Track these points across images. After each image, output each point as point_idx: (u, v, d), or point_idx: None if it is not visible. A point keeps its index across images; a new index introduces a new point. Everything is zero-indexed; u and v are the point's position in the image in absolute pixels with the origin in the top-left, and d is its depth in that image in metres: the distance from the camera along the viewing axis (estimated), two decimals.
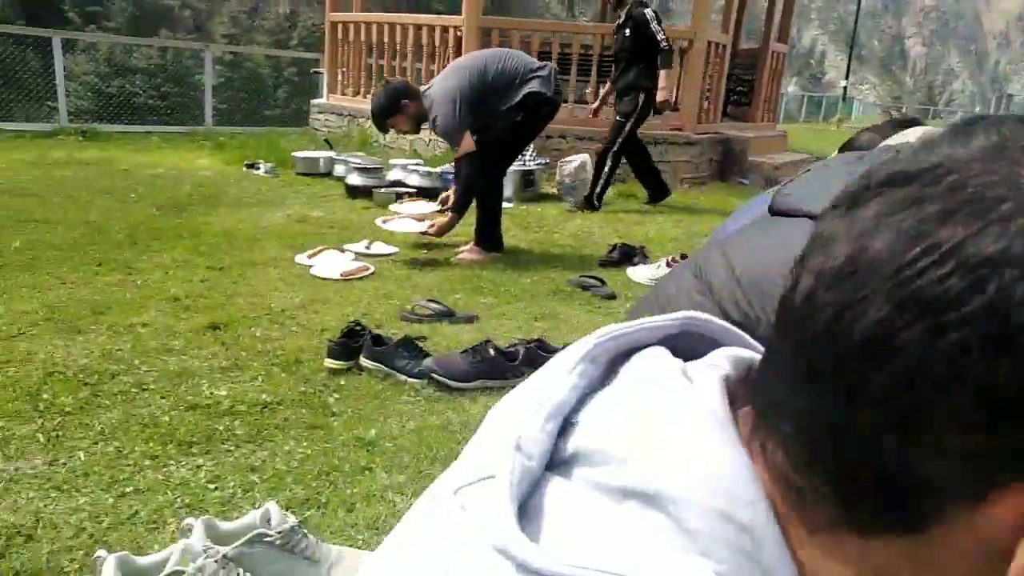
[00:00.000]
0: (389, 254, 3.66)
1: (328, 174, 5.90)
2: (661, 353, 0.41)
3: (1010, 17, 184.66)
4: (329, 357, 2.19)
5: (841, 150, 2.71)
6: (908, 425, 0.29)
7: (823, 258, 0.31)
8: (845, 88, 26.96)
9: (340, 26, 7.91)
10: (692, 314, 0.44)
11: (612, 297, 3.09)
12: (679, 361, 0.40)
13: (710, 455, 0.34)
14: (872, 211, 0.31)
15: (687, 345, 0.43)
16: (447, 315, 2.69)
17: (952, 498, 0.29)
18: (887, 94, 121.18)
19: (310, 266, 3.34)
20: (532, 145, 6.01)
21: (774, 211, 1.19)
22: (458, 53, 6.97)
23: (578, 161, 5.67)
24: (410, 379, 2.11)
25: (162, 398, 1.97)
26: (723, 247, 1.18)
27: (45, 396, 1.93)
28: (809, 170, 1.21)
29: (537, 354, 2.16)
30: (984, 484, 0.29)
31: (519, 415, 0.39)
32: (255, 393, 2.01)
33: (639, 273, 3.45)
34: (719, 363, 0.40)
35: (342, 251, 3.61)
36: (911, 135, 1.38)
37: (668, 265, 3.36)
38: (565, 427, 0.38)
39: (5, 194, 4.55)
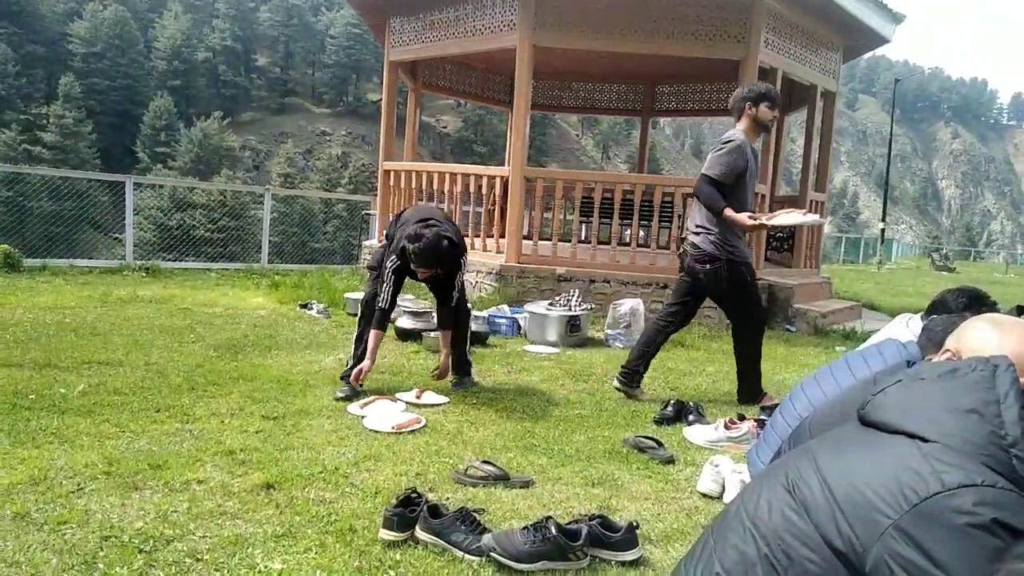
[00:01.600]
0: (439, 404, 3.65)
1: None
2: None
3: None
4: (384, 528, 2.13)
5: (928, 312, 2.69)
6: None
7: None
8: (883, 230, 27.13)
9: (392, 173, 8.38)
10: None
11: (671, 461, 2.99)
12: None
13: None
14: None
15: None
16: (502, 478, 2.62)
17: None
18: (924, 234, 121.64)
19: (362, 416, 3.34)
20: (576, 290, 6.13)
21: (867, 421, 1.17)
22: (504, 199, 7.29)
23: (629, 305, 5.72)
24: (468, 555, 2.03)
25: (216, 570, 1.92)
26: (815, 457, 1.15)
27: (100, 565, 1.90)
28: (900, 380, 1.18)
29: (600, 533, 2.07)
30: None
31: None
32: (309, 568, 1.94)
33: (696, 434, 3.36)
34: None
35: (394, 400, 3.62)
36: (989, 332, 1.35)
37: (727, 427, 3.28)
38: None
39: (72, 333, 4.73)
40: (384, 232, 4.17)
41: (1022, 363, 1.16)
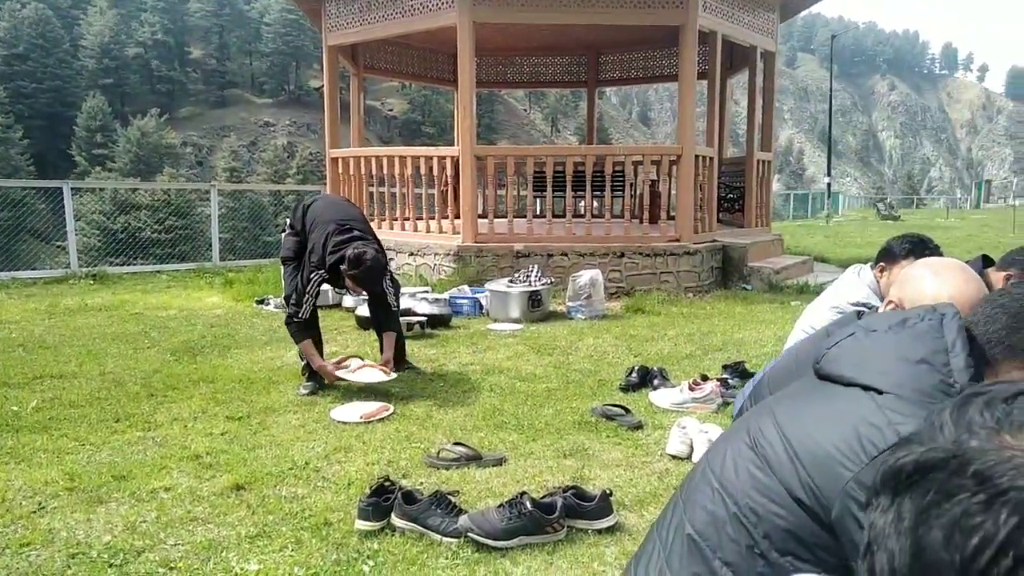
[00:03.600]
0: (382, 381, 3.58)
1: (337, 306, 5.97)
2: None
3: (974, 107, 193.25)
4: (360, 518, 2.12)
5: (876, 260, 2.76)
6: None
7: (883, 556, 0.35)
8: (829, 184, 27.75)
9: (340, 161, 8.23)
10: None
11: (639, 427, 3.04)
12: None
13: None
14: (914, 504, 0.35)
15: None
16: (475, 459, 2.63)
17: None
18: (869, 185, 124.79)
19: (330, 409, 3.32)
20: (535, 265, 6.14)
21: (823, 375, 1.19)
22: (456, 179, 7.23)
23: (588, 276, 5.76)
24: (446, 538, 2.04)
25: None
26: (773, 412, 1.17)
27: None
28: (853, 332, 1.21)
29: (575, 504, 2.10)
30: None
31: None
32: (287, 566, 1.93)
33: (661, 397, 3.41)
34: None
35: (362, 359, 3.70)
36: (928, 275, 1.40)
37: (691, 388, 3.34)
38: None
39: (20, 348, 4.57)
40: (289, 222, 3.94)
41: (963, 305, 1.20)
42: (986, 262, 2.64)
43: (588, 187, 7.17)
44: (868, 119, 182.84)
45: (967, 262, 1.71)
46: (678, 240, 6.94)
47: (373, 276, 3.51)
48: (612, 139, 61.88)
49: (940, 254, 2.54)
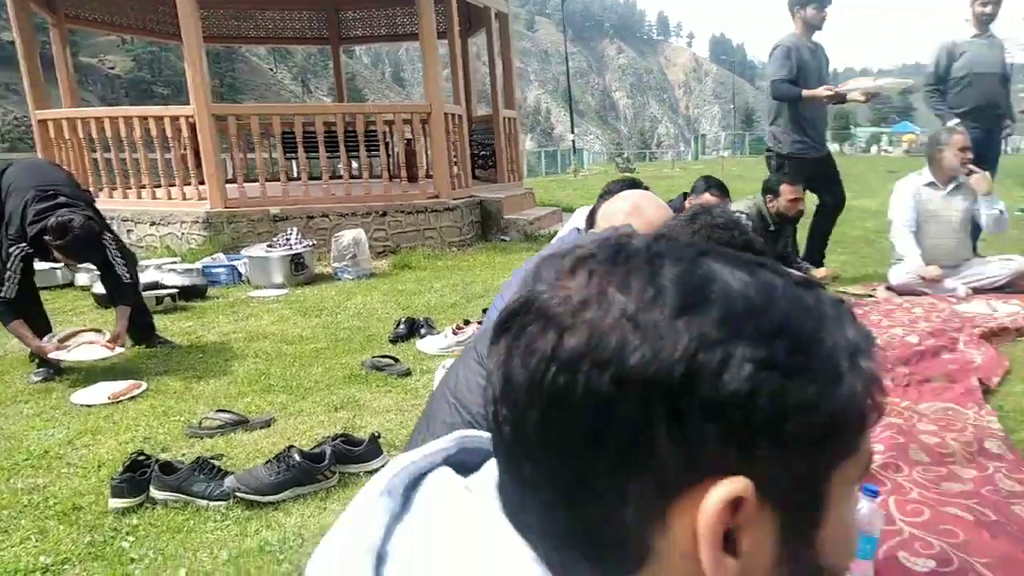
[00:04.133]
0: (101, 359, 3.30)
1: (71, 284, 5.31)
2: (446, 475, 0.48)
3: (687, 70, 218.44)
4: (113, 496, 1.98)
5: (601, 197, 3.08)
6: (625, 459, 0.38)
7: (488, 392, 0.43)
8: (573, 141, 29.86)
9: (51, 124, 7.18)
10: (464, 433, 0.52)
11: (408, 374, 3.14)
12: (461, 479, 0.48)
13: (505, 555, 0.42)
14: (504, 343, 0.42)
15: (469, 458, 0.51)
16: (241, 423, 2.56)
17: (648, 529, 0.39)
18: (609, 142, 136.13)
19: (71, 393, 2.99)
20: (294, 228, 5.94)
21: None
22: (195, 142, 6.68)
23: (351, 236, 5.69)
24: (212, 503, 1.98)
25: None
26: (480, 335, 1.33)
27: None
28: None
29: (344, 450, 2.14)
30: (662, 500, 0.38)
31: (337, 560, 0.44)
32: (30, 557, 1.75)
33: (429, 344, 3.55)
34: (491, 475, 0.47)
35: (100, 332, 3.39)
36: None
37: (455, 332, 3.51)
38: (381, 556, 0.44)
39: None
40: None
41: (646, 225, 1.44)
42: (686, 197, 3.11)
43: (342, 147, 7.03)
44: (603, 80, 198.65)
45: (671, 200, 2.03)
46: (437, 197, 7.10)
47: (83, 245, 3.12)
48: (367, 99, 60.60)
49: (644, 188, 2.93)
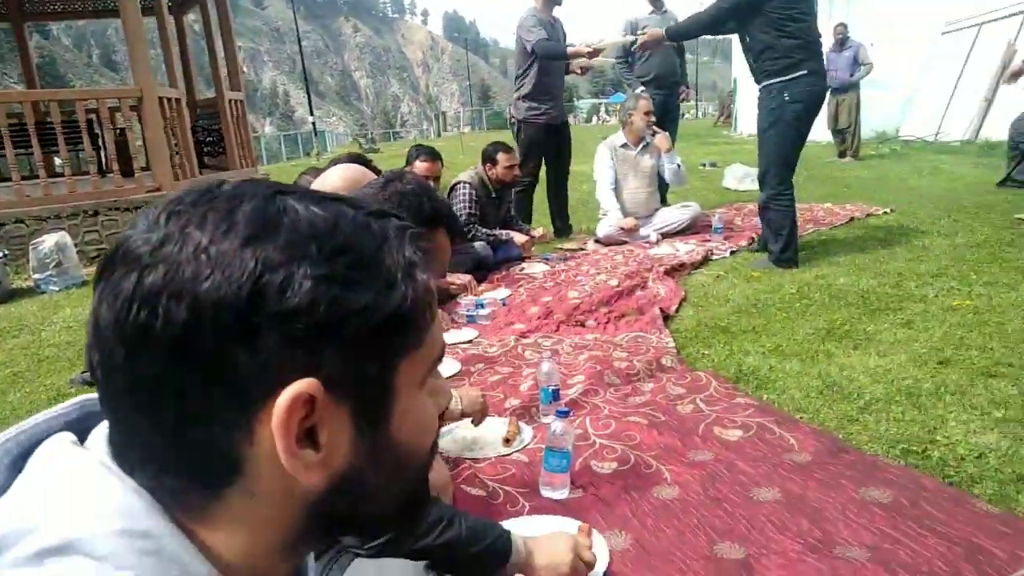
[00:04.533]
0: None
1: None
2: (61, 438, 0.47)
3: (424, 48, 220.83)
4: None
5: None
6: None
7: (88, 330, 0.45)
8: (314, 124, 28.92)
9: None
10: (87, 397, 0.52)
11: None
12: (70, 435, 0.48)
13: (102, 492, 0.43)
14: (97, 289, 0.44)
15: (95, 422, 0.50)
16: None
17: (238, 441, 0.43)
18: (353, 123, 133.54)
19: None
20: None
21: None
22: None
23: (52, 241, 5.04)
24: None
25: None
26: None
27: None
28: None
29: None
30: (248, 412, 0.42)
31: None
32: None
33: None
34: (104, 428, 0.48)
35: None
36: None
37: None
38: None
39: None
40: None
41: (343, 188, 1.53)
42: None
43: (35, 141, 6.17)
44: (342, 60, 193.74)
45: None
46: (159, 190, 6.53)
47: None
48: (72, 85, 53.03)
49: (369, 165, 3.02)
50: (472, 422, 2.04)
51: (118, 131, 7.26)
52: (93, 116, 7.10)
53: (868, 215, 5.25)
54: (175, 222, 0.44)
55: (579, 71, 5.24)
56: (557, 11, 5.21)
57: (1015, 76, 4.21)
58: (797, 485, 1.69)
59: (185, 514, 0.44)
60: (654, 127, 4.99)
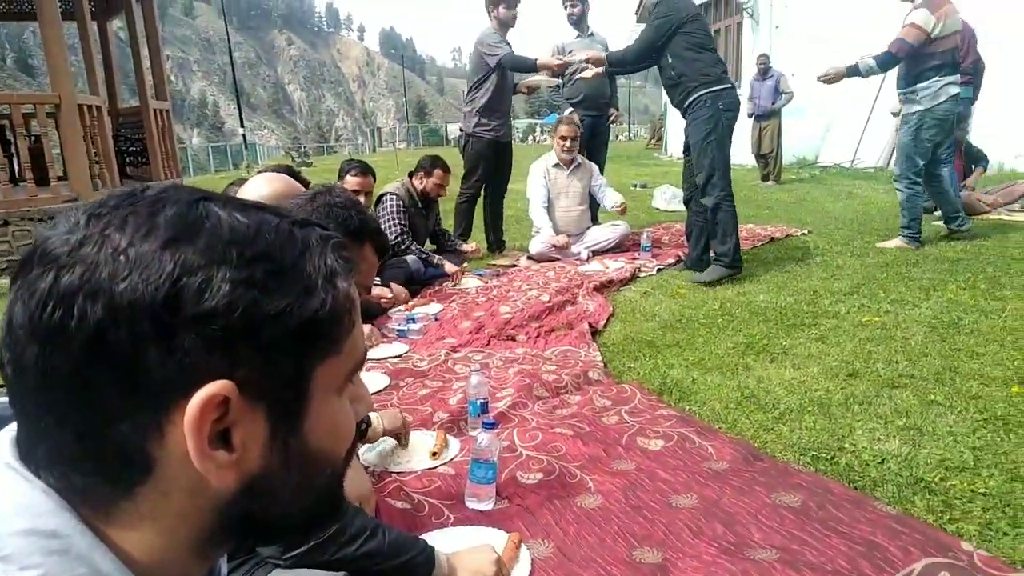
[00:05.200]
0: None
1: None
2: None
3: (360, 63, 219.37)
4: None
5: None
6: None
7: (11, 311, 0.45)
8: (244, 136, 28.29)
9: None
10: None
11: None
12: None
13: (5, 492, 0.43)
14: (12, 287, 0.44)
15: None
16: None
17: (148, 441, 0.43)
18: (286, 136, 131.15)
19: None
20: None
21: None
22: None
23: None
24: None
25: None
26: None
27: None
28: None
29: None
30: (159, 413, 0.43)
31: None
32: None
33: None
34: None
35: None
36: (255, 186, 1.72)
37: None
38: None
39: None
40: None
41: (271, 197, 1.52)
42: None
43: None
44: (275, 72, 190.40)
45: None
46: (76, 199, 6.27)
47: None
48: None
49: (297, 176, 2.98)
50: (400, 443, 2.04)
51: (32, 138, 6.94)
52: (6, 122, 6.78)
53: (788, 236, 5.49)
54: (95, 224, 0.44)
55: (526, 91, 5.33)
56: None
57: (828, 80, 4.49)
58: (714, 491, 1.75)
59: (94, 514, 0.44)
60: (575, 147, 5.11)
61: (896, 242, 4.72)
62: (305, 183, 3.30)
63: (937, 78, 4.35)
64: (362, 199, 3.68)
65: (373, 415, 1.94)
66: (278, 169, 3.21)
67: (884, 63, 4.46)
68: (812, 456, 1.97)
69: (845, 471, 1.87)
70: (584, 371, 2.68)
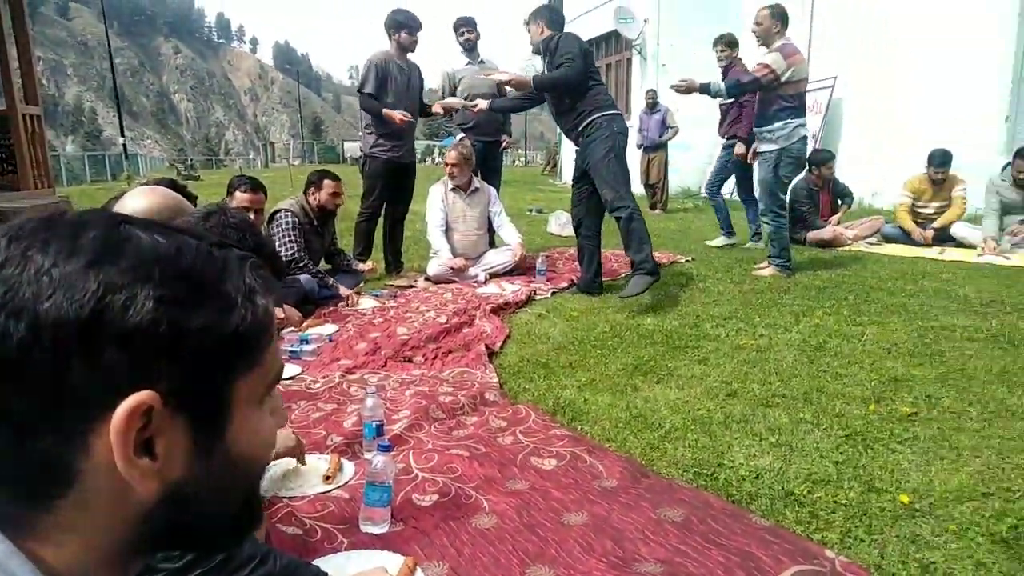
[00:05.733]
0: None
1: None
2: None
3: (252, 76, 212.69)
4: None
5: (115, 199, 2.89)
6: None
7: None
8: (124, 145, 26.73)
9: None
10: None
11: None
12: None
13: None
14: None
15: None
16: None
17: (73, 454, 0.45)
18: (170, 147, 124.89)
19: None
20: None
21: None
22: None
23: None
24: None
25: None
26: None
27: None
28: None
29: None
30: (83, 423, 0.44)
31: None
32: None
33: None
34: None
35: None
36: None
37: None
38: None
39: None
40: None
41: (153, 213, 1.47)
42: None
43: None
44: (160, 81, 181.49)
45: None
46: None
47: None
48: None
49: (183, 191, 2.87)
50: (299, 461, 1.99)
51: None
52: None
53: (673, 262, 5.77)
54: (16, 246, 0.45)
55: (441, 111, 5.34)
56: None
57: (682, 91, 4.82)
58: (603, 508, 1.82)
59: (13, 527, 0.45)
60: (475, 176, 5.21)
61: (770, 270, 5.06)
62: (191, 198, 3.19)
63: (789, 120, 4.77)
64: (252, 216, 3.58)
65: None
66: (160, 182, 3.09)
67: (730, 88, 4.91)
68: (694, 472, 2.08)
69: (724, 486, 1.99)
70: (480, 392, 2.71)
